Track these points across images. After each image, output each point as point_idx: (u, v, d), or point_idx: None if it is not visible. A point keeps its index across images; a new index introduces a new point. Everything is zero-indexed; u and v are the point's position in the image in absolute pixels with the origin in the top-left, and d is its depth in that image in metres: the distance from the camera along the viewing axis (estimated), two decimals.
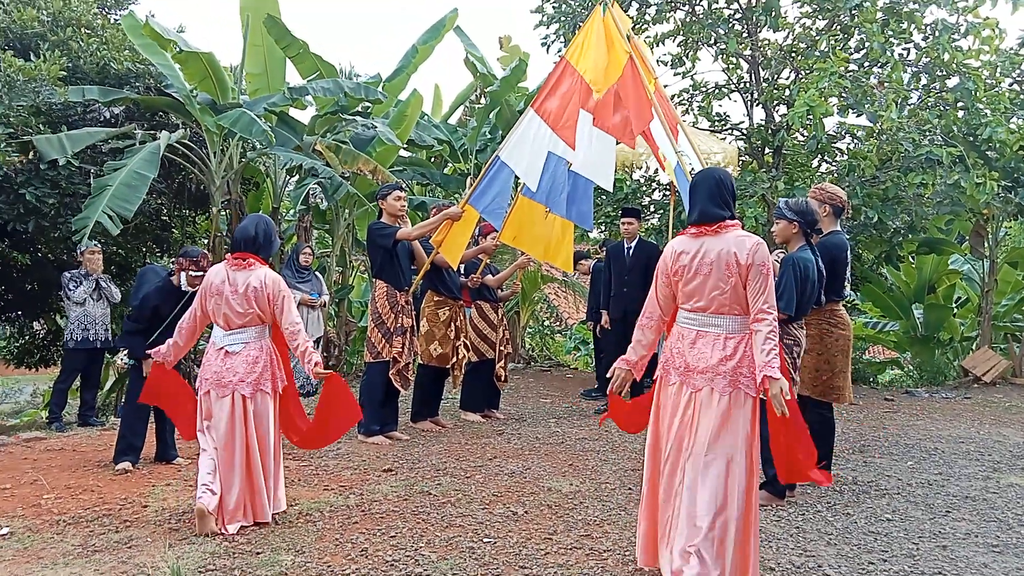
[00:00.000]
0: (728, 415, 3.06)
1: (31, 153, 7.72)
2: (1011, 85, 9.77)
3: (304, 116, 10.39)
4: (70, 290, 6.93)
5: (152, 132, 8.62)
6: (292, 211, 10.78)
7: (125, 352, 5.20)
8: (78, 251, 7.13)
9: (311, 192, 10.32)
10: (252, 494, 3.91)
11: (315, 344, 8.34)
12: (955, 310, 12.95)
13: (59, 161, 7.53)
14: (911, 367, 12.32)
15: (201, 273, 5.05)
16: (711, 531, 2.97)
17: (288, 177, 10.30)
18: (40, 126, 7.78)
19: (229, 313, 3.97)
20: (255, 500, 3.92)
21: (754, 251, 3.07)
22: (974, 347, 11.22)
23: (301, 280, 8.24)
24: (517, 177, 6.02)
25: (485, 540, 3.66)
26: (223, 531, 3.75)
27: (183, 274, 5.07)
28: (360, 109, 9.83)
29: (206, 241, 10.19)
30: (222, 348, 3.99)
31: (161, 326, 5.01)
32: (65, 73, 7.97)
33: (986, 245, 10.63)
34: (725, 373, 3.07)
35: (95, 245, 7.17)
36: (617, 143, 5.94)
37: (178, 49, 8.49)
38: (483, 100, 11.25)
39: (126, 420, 5.17)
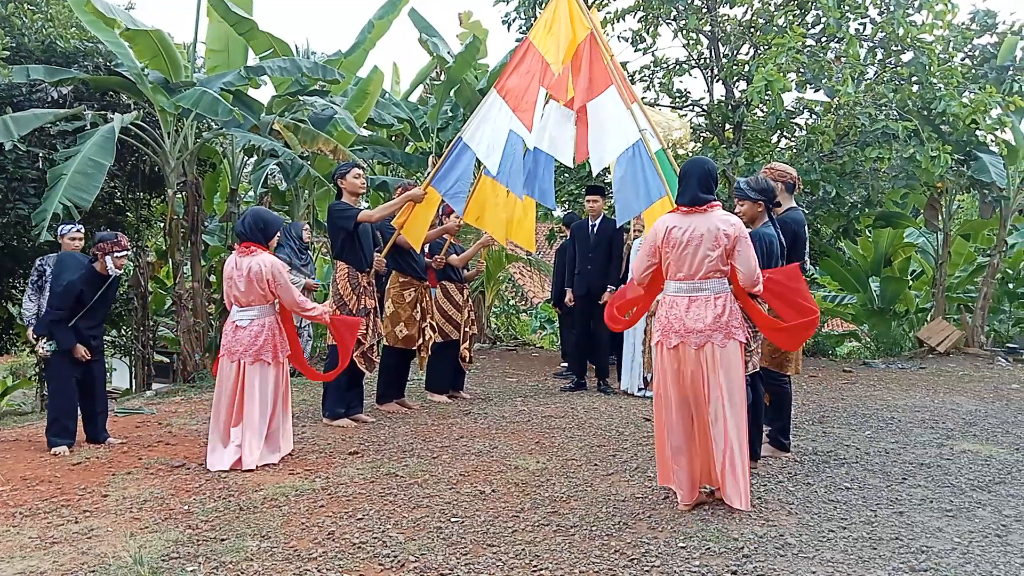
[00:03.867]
0: (729, 361, 3.66)
1: None
2: (963, 60, 9.95)
3: (261, 95, 10.20)
4: (54, 275, 6.68)
5: (103, 113, 8.34)
6: (250, 192, 10.60)
7: (46, 340, 5.12)
8: (58, 235, 6.81)
9: (270, 173, 10.14)
10: (241, 446, 4.61)
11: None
12: (910, 282, 13.25)
13: (5, 145, 7.28)
14: (868, 339, 12.60)
15: (125, 252, 5.19)
16: (732, 458, 3.64)
17: (246, 158, 10.09)
18: None
19: (237, 294, 4.71)
20: (251, 449, 4.59)
21: (737, 227, 3.71)
22: (928, 318, 11.50)
23: (303, 263, 7.68)
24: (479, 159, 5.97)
25: (453, 520, 3.67)
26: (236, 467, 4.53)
27: (108, 259, 5.10)
28: (318, 88, 9.65)
29: (162, 224, 9.98)
30: (234, 322, 4.73)
31: (81, 312, 5.11)
32: (8, 52, 7.69)
33: (940, 218, 10.86)
34: (720, 328, 3.67)
35: (77, 229, 6.81)
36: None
37: (125, 27, 8.19)
38: (443, 77, 11.13)
39: (53, 404, 5.17)
